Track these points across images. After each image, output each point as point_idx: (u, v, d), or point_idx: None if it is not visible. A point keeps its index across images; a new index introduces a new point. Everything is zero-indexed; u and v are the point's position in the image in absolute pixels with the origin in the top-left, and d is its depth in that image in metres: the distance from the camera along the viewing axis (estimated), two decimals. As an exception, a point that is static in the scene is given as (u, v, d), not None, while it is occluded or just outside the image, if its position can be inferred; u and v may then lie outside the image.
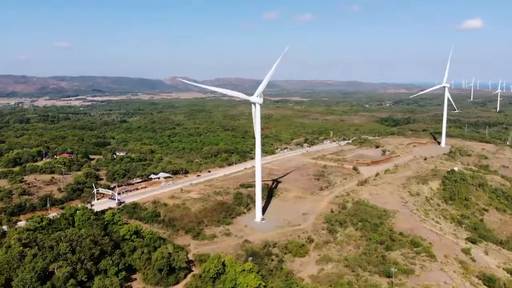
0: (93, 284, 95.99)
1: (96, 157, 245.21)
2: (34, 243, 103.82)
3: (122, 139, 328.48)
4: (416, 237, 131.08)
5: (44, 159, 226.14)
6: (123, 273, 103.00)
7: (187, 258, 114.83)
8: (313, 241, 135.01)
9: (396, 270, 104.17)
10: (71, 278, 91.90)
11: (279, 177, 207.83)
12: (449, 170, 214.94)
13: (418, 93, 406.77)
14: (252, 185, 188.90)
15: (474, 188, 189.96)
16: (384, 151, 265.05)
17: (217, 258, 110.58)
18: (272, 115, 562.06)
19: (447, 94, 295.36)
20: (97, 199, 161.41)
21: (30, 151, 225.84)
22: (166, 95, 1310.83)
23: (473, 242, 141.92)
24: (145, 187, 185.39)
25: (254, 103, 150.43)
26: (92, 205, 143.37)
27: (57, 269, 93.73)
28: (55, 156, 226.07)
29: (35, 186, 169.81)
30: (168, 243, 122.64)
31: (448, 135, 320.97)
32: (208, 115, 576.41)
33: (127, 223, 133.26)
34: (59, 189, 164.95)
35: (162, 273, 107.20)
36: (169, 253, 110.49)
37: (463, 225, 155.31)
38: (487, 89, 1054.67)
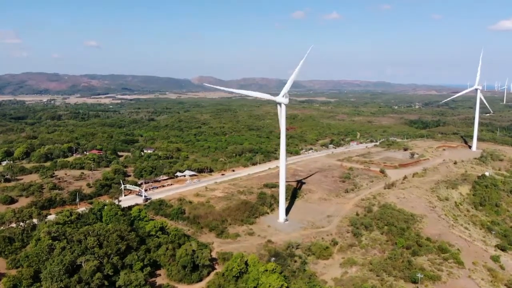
0: (118, 278, 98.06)
1: (124, 154, 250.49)
2: (63, 237, 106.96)
3: (149, 137, 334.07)
4: (444, 243, 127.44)
5: (74, 155, 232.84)
6: (148, 268, 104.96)
7: (210, 256, 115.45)
8: (337, 244, 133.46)
9: (422, 276, 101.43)
10: (98, 272, 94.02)
11: (304, 178, 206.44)
12: (479, 175, 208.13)
13: (450, 97, 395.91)
14: (275, 185, 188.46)
15: (505, 194, 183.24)
16: (412, 154, 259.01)
17: (240, 257, 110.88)
18: (297, 115, 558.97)
19: (479, 96, 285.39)
20: (125, 195, 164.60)
21: (61, 147, 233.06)
22: (193, 95, 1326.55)
23: (503, 249, 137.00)
24: (171, 184, 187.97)
25: (280, 103, 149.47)
26: (119, 201, 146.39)
27: (84, 262, 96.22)
28: (85, 152, 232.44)
29: (65, 181, 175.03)
30: (192, 240, 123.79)
31: (479, 139, 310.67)
32: (234, 114, 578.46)
33: (152, 219, 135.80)
34: (88, 185, 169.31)
35: (186, 269, 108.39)
36: (193, 250, 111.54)
37: (493, 232, 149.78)
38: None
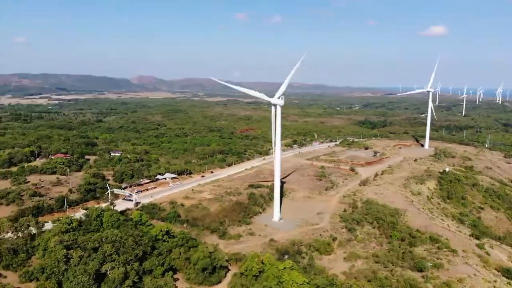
0: (142, 285, 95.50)
1: (90, 157, 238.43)
2: (76, 245, 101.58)
3: (108, 139, 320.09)
4: (432, 233, 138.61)
5: (37, 159, 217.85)
6: (170, 272, 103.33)
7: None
8: (336, 239, 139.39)
9: (431, 264, 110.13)
10: (127, 279, 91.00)
11: (282, 178, 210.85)
12: (441, 171, 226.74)
13: (406, 93, 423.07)
14: (260, 186, 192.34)
15: (469, 187, 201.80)
16: (375, 153, 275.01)
17: (257, 257, 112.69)
18: (251, 116, 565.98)
19: (431, 98, 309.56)
20: (110, 200, 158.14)
21: (22, 151, 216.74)
22: (134, 95, 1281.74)
23: (477, 238, 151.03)
24: (154, 187, 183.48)
25: (275, 105, 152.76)
26: (114, 206, 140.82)
27: (109, 270, 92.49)
28: (50, 157, 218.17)
29: (42, 187, 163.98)
30: (201, 244, 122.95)
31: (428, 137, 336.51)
32: (186, 115, 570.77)
33: (151, 224, 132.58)
34: (70, 190, 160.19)
35: (205, 272, 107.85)
36: (210, 252, 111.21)
37: (467, 223, 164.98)
38: (448, 93, 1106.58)
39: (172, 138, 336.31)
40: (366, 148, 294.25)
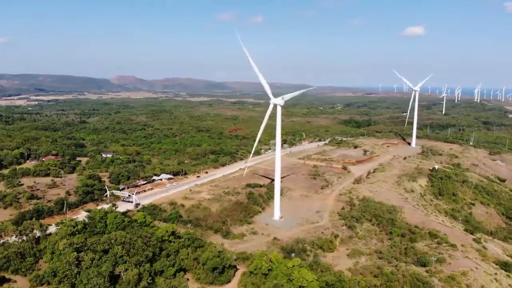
0: (155, 285, 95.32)
1: (81, 159, 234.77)
2: (86, 248, 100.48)
3: (96, 141, 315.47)
4: (431, 229, 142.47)
5: (28, 161, 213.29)
6: (182, 273, 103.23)
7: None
8: (337, 237, 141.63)
9: (435, 259, 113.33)
10: (142, 281, 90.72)
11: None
12: (430, 168, 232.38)
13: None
14: (257, 185, 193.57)
15: (459, 184, 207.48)
16: (365, 151, 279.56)
17: (265, 256, 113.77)
18: (238, 116, 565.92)
19: (417, 97, 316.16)
20: (110, 202, 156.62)
21: (12, 153, 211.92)
22: (114, 95, 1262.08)
23: (471, 233, 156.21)
24: (151, 188, 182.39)
25: (276, 105, 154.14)
26: (116, 207, 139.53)
27: (123, 271, 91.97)
28: (41, 159, 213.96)
29: (38, 189, 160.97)
30: (208, 244, 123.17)
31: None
32: (171, 115, 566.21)
33: (155, 225, 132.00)
34: (67, 192, 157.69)
35: (215, 272, 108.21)
36: (219, 252, 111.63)
37: (460, 218, 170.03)
38: (427, 92, 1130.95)
39: (161, 139, 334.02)
40: (356, 147, 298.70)
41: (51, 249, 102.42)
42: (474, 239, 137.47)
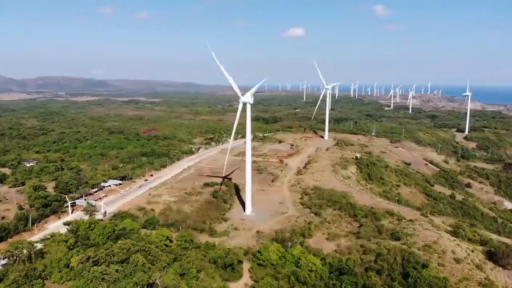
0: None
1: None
2: (103, 260, 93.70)
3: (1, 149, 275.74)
4: (386, 208, 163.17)
5: None
6: (203, 273, 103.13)
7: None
8: (311, 223, 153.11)
9: (411, 232, 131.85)
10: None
11: (227, 175, 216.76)
12: (353, 157, 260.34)
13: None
14: (214, 184, 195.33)
15: (383, 169, 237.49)
16: (292, 145, 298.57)
17: (268, 247, 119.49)
18: (143, 116, 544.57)
19: (329, 94, 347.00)
20: (71, 213, 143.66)
21: None
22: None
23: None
24: (106, 195, 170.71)
25: (245, 103, 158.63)
26: (95, 216, 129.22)
27: (158, 279, 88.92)
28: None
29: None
30: (205, 243, 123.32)
31: (321, 129, 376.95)
32: (66, 118, 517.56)
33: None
34: (19, 207, 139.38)
35: (227, 269, 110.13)
36: (228, 249, 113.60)
37: (396, 198, 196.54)
38: (314, 90, 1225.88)
39: (75, 144, 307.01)
40: (280, 142, 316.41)
41: (57, 267, 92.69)
42: (421, 214, 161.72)
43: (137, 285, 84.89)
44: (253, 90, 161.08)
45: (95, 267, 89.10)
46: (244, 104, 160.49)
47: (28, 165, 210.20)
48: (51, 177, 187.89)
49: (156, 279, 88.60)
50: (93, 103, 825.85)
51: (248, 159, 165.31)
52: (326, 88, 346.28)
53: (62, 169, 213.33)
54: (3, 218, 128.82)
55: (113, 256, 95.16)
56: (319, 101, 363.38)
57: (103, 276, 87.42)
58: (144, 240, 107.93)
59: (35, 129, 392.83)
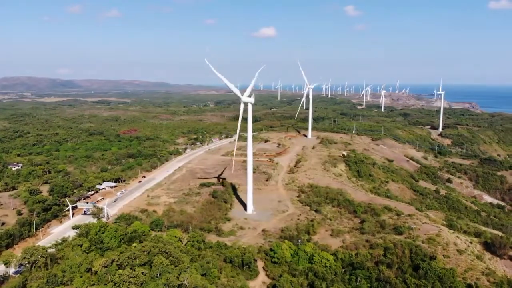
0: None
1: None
2: (126, 263, 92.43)
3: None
4: (383, 204, 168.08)
5: None
6: (223, 272, 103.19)
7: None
8: (313, 220, 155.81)
9: (413, 226, 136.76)
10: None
11: (219, 175, 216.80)
12: (340, 155, 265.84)
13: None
14: (210, 184, 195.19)
15: (371, 166, 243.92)
16: (279, 144, 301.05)
17: (281, 245, 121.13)
18: (118, 116, 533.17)
19: (311, 94, 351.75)
20: (73, 216, 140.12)
21: None
22: None
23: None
24: (103, 198, 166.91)
25: (246, 103, 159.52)
26: (105, 220, 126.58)
27: (186, 280, 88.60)
28: None
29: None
30: (216, 243, 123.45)
31: (303, 128, 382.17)
32: (39, 120, 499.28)
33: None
34: (18, 212, 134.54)
35: (244, 268, 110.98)
36: (244, 248, 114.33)
37: (388, 195, 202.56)
38: (286, 90, 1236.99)
39: (56, 146, 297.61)
40: (266, 141, 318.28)
41: (79, 272, 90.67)
42: (417, 208, 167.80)
43: (168, 287, 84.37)
44: (248, 89, 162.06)
45: (120, 270, 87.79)
46: (246, 104, 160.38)
47: (14, 168, 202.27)
48: (41, 181, 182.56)
49: (184, 280, 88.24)
50: (63, 104, 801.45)
51: (250, 158, 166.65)
52: (309, 88, 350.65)
53: (49, 172, 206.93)
54: (3, 224, 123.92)
55: (135, 258, 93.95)
56: (303, 99, 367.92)
57: (130, 279, 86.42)
58: (160, 242, 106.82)
59: (9, 132, 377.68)
